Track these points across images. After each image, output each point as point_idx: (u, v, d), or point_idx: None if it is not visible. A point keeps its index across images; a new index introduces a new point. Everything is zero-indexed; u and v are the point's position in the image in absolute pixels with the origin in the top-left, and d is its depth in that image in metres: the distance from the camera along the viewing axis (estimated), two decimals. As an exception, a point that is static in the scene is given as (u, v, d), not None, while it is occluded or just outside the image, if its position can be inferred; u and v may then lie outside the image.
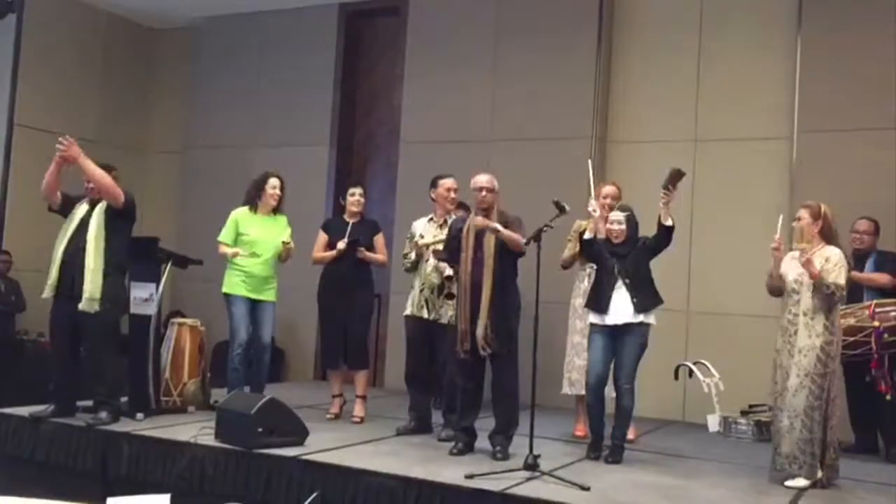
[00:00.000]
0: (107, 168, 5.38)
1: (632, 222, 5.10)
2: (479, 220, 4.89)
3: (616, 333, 4.98)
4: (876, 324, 5.21)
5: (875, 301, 5.40)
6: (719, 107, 7.20)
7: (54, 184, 5.32)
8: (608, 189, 5.64)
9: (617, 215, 5.12)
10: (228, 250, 5.86)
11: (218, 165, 8.93)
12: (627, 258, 5.02)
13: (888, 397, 5.26)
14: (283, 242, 5.90)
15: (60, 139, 5.17)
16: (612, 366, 5.03)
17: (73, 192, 5.50)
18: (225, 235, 5.94)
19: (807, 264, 4.56)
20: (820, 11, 6.79)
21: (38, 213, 5.49)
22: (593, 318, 5.07)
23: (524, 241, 4.88)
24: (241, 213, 5.99)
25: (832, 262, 4.60)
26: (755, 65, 7.12)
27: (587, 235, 5.07)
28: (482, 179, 5.00)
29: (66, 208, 5.44)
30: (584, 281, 5.72)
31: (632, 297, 4.94)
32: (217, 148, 9.09)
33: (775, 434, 4.72)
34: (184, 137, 9.47)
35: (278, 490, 4.53)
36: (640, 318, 4.94)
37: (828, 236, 4.72)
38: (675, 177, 4.86)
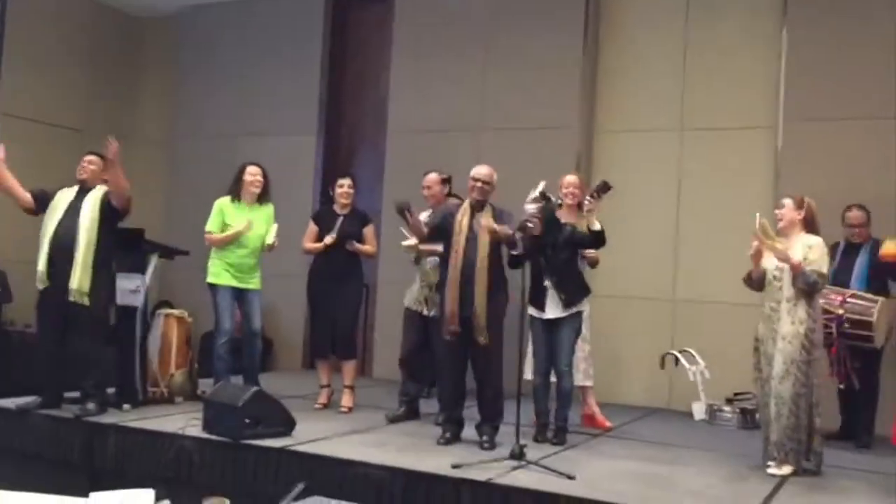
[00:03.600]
0: (94, 155, 5.38)
1: (546, 213, 5.01)
2: (487, 224, 4.88)
3: (551, 325, 5.18)
4: (840, 311, 5.26)
5: (854, 291, 5.43)
6: (705, 96, 7.21)
7: (9, 188, 5.30)
8: (570, 178, 5.59)
9: (532, 207, 4.97)
10: (219, 236, 5.85)
11: (205, 155, 8.88)
12: (554, 256, 5.13)
13: (841, 386, 5.32)
14: (268, 245, 5.90)
15: (109, 140, 5.19)
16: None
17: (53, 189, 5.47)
18: (212, 224, 5.93)
19: (784, 259, 4.59)
20: (806, 0, 6.81)
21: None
22: (532, 311, 5.23)
23: (512, 233, 4.91)
24: (225, 202, 5.98)
25: (815, 252, 4.63)
26: (741, 54, 7.13)
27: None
28: (482, 172, 5.04)
29: (41, 205, 5.39)
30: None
31: (559, 295, 5.13)
32: (204, 137, 9.05)
33: (763, 423, 4.77)
34: (170, 127, 9.43)
35: (265, 481, 4.54)
36: (572, 310, 5.15)
37: (810, 226, 4.76)
38: (603, 188, 5.06)
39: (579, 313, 5.21)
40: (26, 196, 5.37)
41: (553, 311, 5.15)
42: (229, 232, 5.86)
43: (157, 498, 1.91)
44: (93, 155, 5.51)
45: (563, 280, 5.15)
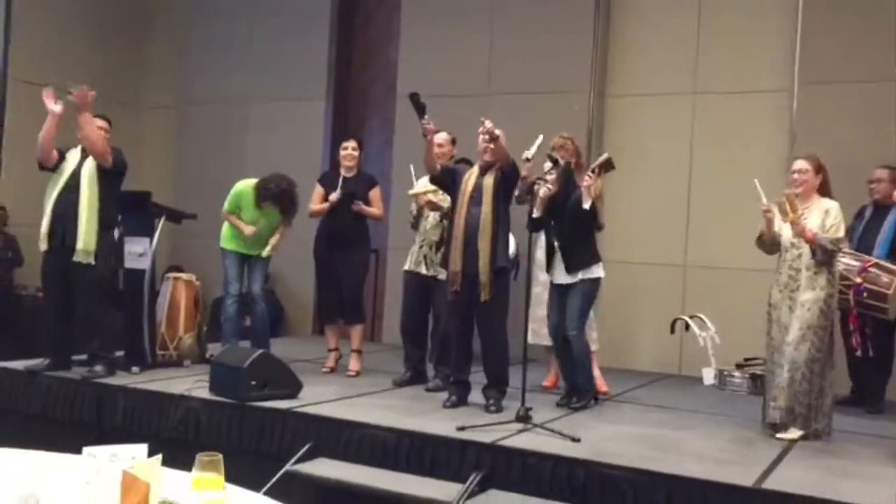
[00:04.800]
0: (102, 118, 5.35)
1: (565, 174, 5.04)
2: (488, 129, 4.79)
3: (563, 289, 5.11)
4: (858, 280, 5.16)
5: (876, 261, 5.33)
6: (719, 59, 7.09)
7: (52, 140, 5.26)
8: (555, 141, 5.48)
9: (547, 166, 5.04)
10: (238, 223, 5.88)
11: (213, 120, 8.85)
12: (562, 220, 5.07)
13: (858, 353, 5.25)
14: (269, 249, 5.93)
15: (75, 90, 5.06)
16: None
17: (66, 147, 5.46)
18: (228, 205, 5.95)
19: (800, 232, 4.52)
20: (822, -39, 6.66)
21: (34, 167, 5.45)
22: (547, 275, 5.23)
23: (518, 194, 4.89)
24: (246, 192, 5.91)
25: (833, 216, 4.56)
26: (756, 15, 6.99)
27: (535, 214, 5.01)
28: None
29: (58, 165, 5.40)
30: (542, 234, 5.72)
31: (564, 260, 5.07)
32: (212, 102, 9.00)
33: (770, 388, 4.73)
34: (178, 92, 9.38)
35: (271, 441, 4.57)
36: (579, 276, 5.05)
37: (826, 190, 4.69)
38: (605, 166, 4.96)
39: (591, 280, 5.09)
40: (55, 156, 5.34)
41: (559, 276, 5.11)
42: (239, 224, 5.88)
43: (152, 454, 1.90)
44: (102, 119, 5.48)
45: (567, 245, 5.08)
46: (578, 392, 5.15)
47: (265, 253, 5.94)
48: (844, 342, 5.34)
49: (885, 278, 5.18)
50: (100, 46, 9.11)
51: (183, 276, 6.24)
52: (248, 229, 5.85)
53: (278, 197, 5.82)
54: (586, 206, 4.91)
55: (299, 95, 8.57)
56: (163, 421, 4.85)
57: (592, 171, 4.94)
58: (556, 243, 5.12)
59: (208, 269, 8.11)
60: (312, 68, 8.61)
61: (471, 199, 4.88)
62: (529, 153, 4.87)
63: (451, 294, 4.88)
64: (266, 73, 8.77)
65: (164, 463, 1.97)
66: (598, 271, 5.13)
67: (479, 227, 4.82)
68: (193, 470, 1.75)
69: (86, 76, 8.74)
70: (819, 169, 4.67)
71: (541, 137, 4.85)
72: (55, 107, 5.15)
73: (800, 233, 4.53)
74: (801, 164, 4.71)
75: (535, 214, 4.93)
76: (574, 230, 5.08)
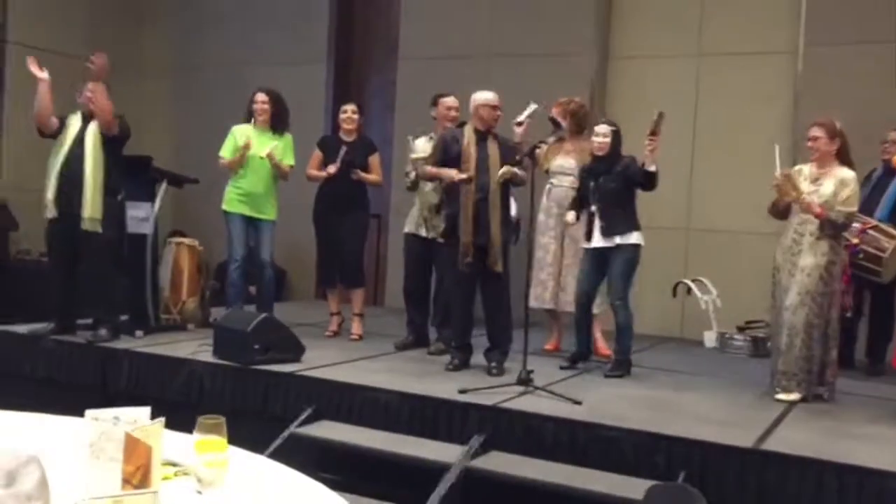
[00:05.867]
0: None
1: (615, 137, 5.04)
2: (506, 172, 4.78)
3: (599, 255, 5.06)
4: (856, 241, 5.14)
5: (876, 223, 5.30)
6: (724, 20, 7.01)
7: (48, 107, 5.23)
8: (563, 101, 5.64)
9: (602, 128, 5.09)
10: (229, 160, 5.79)
11: (213, 85, 8.78)
12: (605, 180, 5.01)
13: (848, 314, 5.25)
14: (267, 155, 5.76)
15: (96, 57, 5.07)
16: (599, 284, 5.16)
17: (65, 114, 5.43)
18: (224, 149, 5.88)
19: (807, 209, 4.48)
20: (829, -81, 6.54)
21: (33, 133, 5.43)
22: (584, 243, 5.17)
23: (518, 157, 4.87)
24: (239, 128, 5.91)
25: (848, 189, 4.49)
26: (761, -24, 6.90)
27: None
28: (491, 97, 4.95)
29: (58, 131, 5.37)
30: (545, 197, 5.70)
31: (600, 223, 4.99)
32: (211, 66, 8.92)
33: (774, 352, 4.75)
34: (178, 56, 9.30)
35: (275, 404, 4.60)
36: (617, 240, 4.97)
37: (844, 155, 4.60)
38: (659, 121, 4.83)
39: (632, 246, 5.00)
40: (55, 122, 5.31)
41: (597, 239, 5.04)
42: (233, 161, 5.79)
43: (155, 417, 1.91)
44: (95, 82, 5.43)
45: (607, 208, 5.00)
46: (616, 363, 5.10)
47: (262, 152, 5.76)
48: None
49: (883, 242, 5.17)
50: (98, 10, 9.02)
51: (186, 240, 6.24)
52: (237, 160, 5.73)
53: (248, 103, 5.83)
54: (651, 168, 4.86)
55: (300, 59, 8.49)
56: (167, 384, 4.89)
57: (653, 134, 4.83)
58: (594, 205, 5.03)
59: (212, 233, 8.12)
60: (313, 31, 8.53)
61: (477, 168, 4.85)
62: (521, 118, 4.85)
63: (465, 265, 4.83)
64: (266, 37, 8.67)
65: (168, 426, 1.98)
66: (637, 237, 5.03)
67: (489, 199, 4.81)
68: (195, 432, 1.76)
69: (84, 40, 8.74)
70: (834, 134, 4.56)
71: (532, 104, 4.83)
72: (41, 74, 5.13)
73: (806, 209, 4.49)
74: (814, 130, 4.61)
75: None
76: (619, 193, 5.00)
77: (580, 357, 5.24)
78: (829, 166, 4.58)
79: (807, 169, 4.68)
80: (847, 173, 4.54)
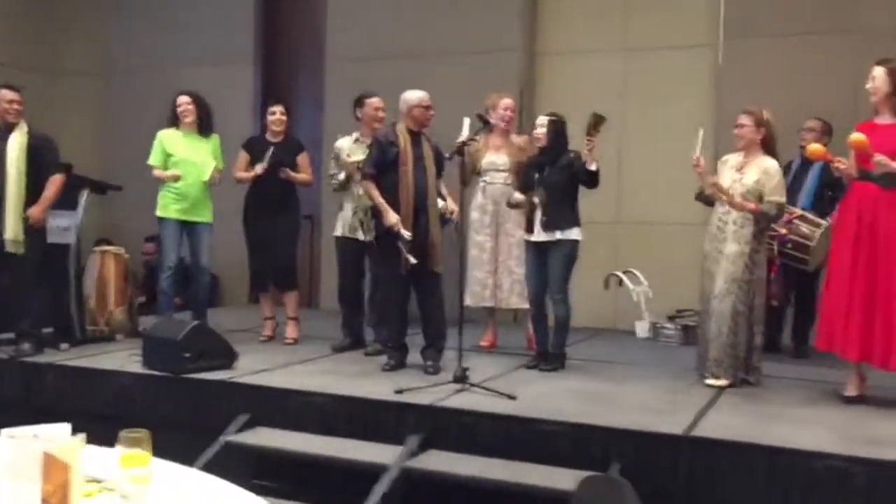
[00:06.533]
0: (10, 88, 5.15)
1: (554, 127, 5.06)
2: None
3: (540, 249, 5.06)
4: (783, 231, 5.30)
5: (802, 213, 5.46)
6: (648, 15, 7.14)
7: None
8: (508, 101, 5.73)
9: (540, 119, 5.14)
10: (163, 174, 5.70)
11: (139, 87, 8.57)
12: (549, 173, 5.03)
13: (775, 303, 5.40)
14: (214, 172, 5.76)
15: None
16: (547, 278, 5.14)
17: None
18: (154, 158, 5.77)
19: (740, 208, 4.59)
20: (746, -85, 6.72)
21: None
22: (524, 235, 5.18)
23: (447, 155, 4.88)
24: (165, 133, 5.81)
25: (773, 179, 4.60)
26: (682, -30, 7.05)
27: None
28: (425, 97, 4.96)
29: None
30: (479, 194, 5.74)
31: (542, 216, 5.00)
32: (136, 69, 8.72)
33: (702, 339, 4.85)
34: (101, 59, 9.06)
35: (208, 413, 4.52)
36: (557, 235, 4.99)
37: (769, 144, 4.72)
38: (596, 122, 4.86)
39: (570, 242, 5.02)
40: None
41: (537, 233, 5.05)
42: (167, 173, 5.71)
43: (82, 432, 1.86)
44: (11, 91, 5.24)
45: (552, 202, 5.00)
46: (550, 357, 5.14)
47: (205, 177, 5.72)
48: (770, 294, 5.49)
49: (809, 229, 5.33)
50: (15, 11, 8.72)
51: (111, 249, 6.09)
52: (171, 175, 5.68)
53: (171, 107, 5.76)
54: (592, 167, 4.89)
55: (226, 60, 8.35)
56: (95, 397, 4.75)
57: (589, 135, 4.86)
58: (536, 199, 5.04)
59: (141, 240, 7.94)
60: (238, 31, 8.40)
61: (415, 170, 4.85)
62: (463, 137, 4.84)
63: (406, 265, 4.79)
64: (191, 38, 8.51)
65: (96, 440, 1.92)
66: (577, 234, 5.06)
67: (427, 200, 4.83)
68: (118, 446, 1.72)
69: (2, 43, 8.44)
70: (761, 123, 4.68)
71: (467, 120, 4.83)
72: None
73: (739, 209, 4.59)
74: (742, 118, 4.73)
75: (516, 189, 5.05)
76: (563, 187, 5.02)
77: (543, 356, 5.20)
78: (753, 155, 4.70)
79: (733, 158, 4.81)
80: (770, 163, 4.66)
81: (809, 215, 5.42)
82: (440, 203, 5.15)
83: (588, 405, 4.24)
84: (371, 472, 3.80)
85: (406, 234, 4.74)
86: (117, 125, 8.69)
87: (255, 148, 5.86)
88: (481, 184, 5.73)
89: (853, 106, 5.21)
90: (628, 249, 7.09)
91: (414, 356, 5.06)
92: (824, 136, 5.71)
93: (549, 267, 5.05)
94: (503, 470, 3.77)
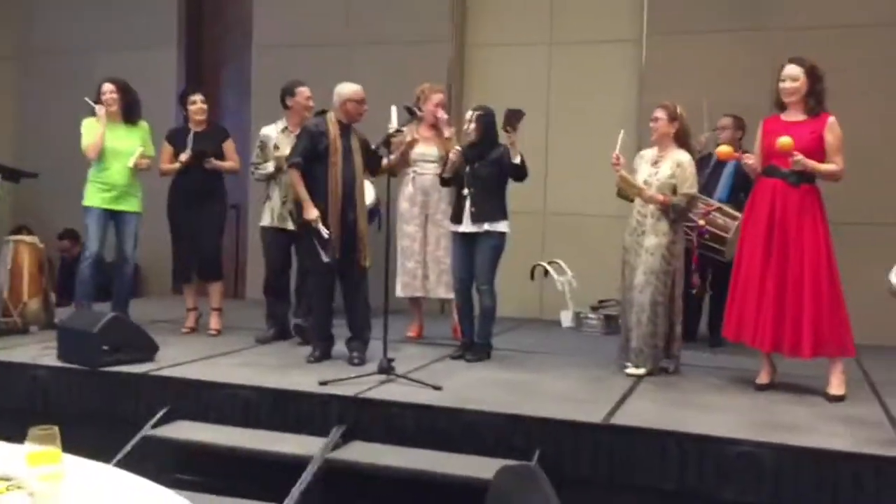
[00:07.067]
0: None
1: (483, 121, 5.10)
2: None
3: (468, 240, 5.10)
4: (702, 223, 5.46)
5: (720, 205, 5.61)
6: (573, 9, 7.22)
7: None
8: (440, 97, 5.77)
9: (468, 113, 5.19)
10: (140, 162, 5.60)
11: (58, 72, 8.29)
12: (479, 166, 5.07)
13: (694, 291, 5.58)
14: (141, 157, 5.63)
15: None
16: (473, 268, 5.16)
17: None
18: (84, 143, 5.61)
19: (649, 200, 4.71)
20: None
21: None
22: (451, 225, 5.20)
23: (375, 147, 4.88)
24: (91, 121, 5.65)
25: (685, 171, 4.75)
26: (608, -35, 7.15)
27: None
28: (359, 91, 4.94)
29: None
30: (408, 185, 5.75)
31: (470, 207, 5.04)
32: (56, 52, 8.42)
33: (624, 329, 4.97)
34: (19, 41, 8.72)
35: (126, 407, 4.43)
36: (485, 227, 5.04)
37: (682, 138, 4.86)
38: (512, 117, 4.92)
39: (499, 234, 5.08)
40: None
41: (466, 224, 5.07)
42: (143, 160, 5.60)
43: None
44: None
45: (479, 194, 5.04)
46: (476, 347, 5.18)
47: (129, 163, 5.59)
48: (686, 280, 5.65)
49: (726, 221, 5.49)
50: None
51: (26, 238, 5.90)
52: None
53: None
54: (516, 160, 4.94)
55: (148, 44, 8.14)
56: (7, 391, 4.61)
57: (506, 130, 4.92)
58: (466, 189, 5.07)
59: (59, 229, 7.70)
60: (161, 16, 8.19)
61: (343, 161, 4.82)
62: (393, 127, 4.82)
63: (333, 259, 4.76)
64: (113, 21, 8.27)
65: (6, 437, 1.88)
66: (505, 226, 5.11)
67: (355, 192, 4.81)
68: (26, 444, 1.68)
69: None
70: (674, 117, 4.82)
71: (394, 109, 4.81)
72: None
73: (650, 202, 4.72)
74: (656, 112, 4.88)
75: (446, 175, 5.04)
76: (492, 180, 5.06)
77: (469, 346, 5.23)
78: (667, 149, 4.84)
79: (648, 153, 4.94)
80: (683, 156, 4.80)
81: (727, 208, 5.59)
82: (368, 196, 5.15)
83: (512, 395, 4.30)
84: (294, 465, 3.78)
85: (325, 231, 4.71)
86: (36, 112, 8.39)
87: (177, 139, 5.76)
88: (411, 174, 5.74)
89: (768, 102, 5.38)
90: (553, 240, 7.19)
91: (340, 347, 5.04)
92: (738, 132, 5.89)
93: (476, 258, 5.10)
94: (426, 460, 3.80)
